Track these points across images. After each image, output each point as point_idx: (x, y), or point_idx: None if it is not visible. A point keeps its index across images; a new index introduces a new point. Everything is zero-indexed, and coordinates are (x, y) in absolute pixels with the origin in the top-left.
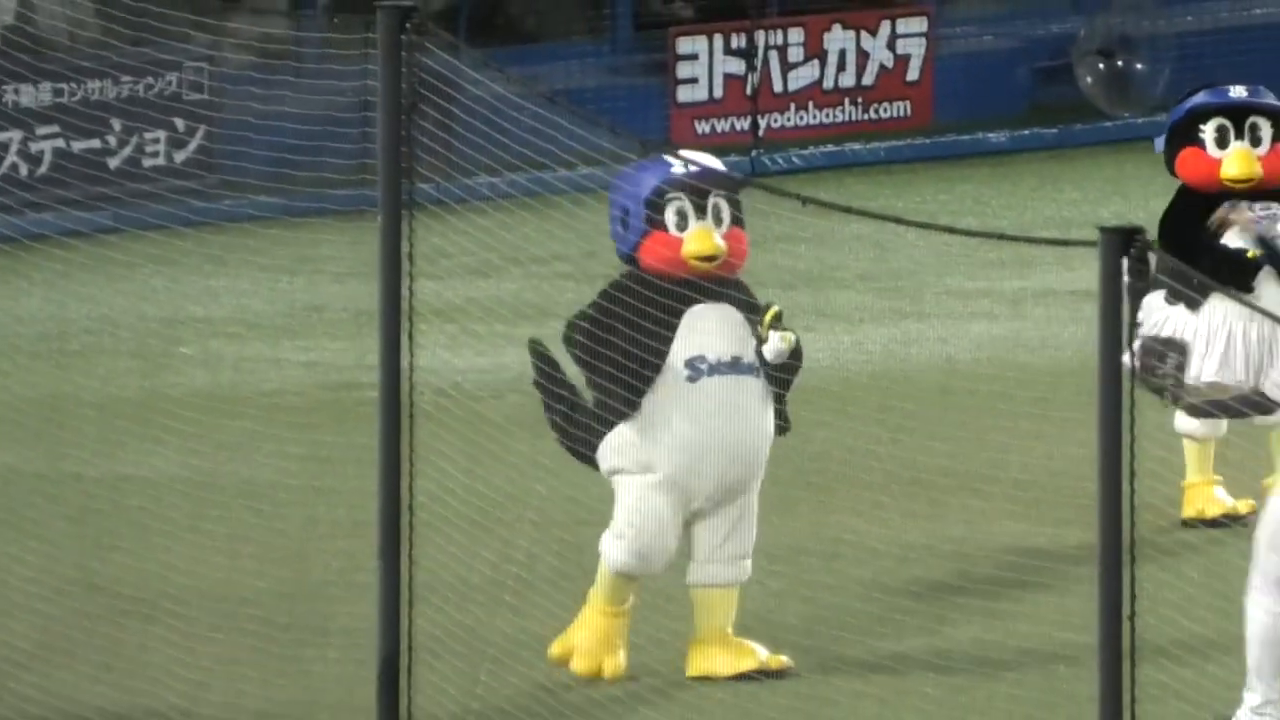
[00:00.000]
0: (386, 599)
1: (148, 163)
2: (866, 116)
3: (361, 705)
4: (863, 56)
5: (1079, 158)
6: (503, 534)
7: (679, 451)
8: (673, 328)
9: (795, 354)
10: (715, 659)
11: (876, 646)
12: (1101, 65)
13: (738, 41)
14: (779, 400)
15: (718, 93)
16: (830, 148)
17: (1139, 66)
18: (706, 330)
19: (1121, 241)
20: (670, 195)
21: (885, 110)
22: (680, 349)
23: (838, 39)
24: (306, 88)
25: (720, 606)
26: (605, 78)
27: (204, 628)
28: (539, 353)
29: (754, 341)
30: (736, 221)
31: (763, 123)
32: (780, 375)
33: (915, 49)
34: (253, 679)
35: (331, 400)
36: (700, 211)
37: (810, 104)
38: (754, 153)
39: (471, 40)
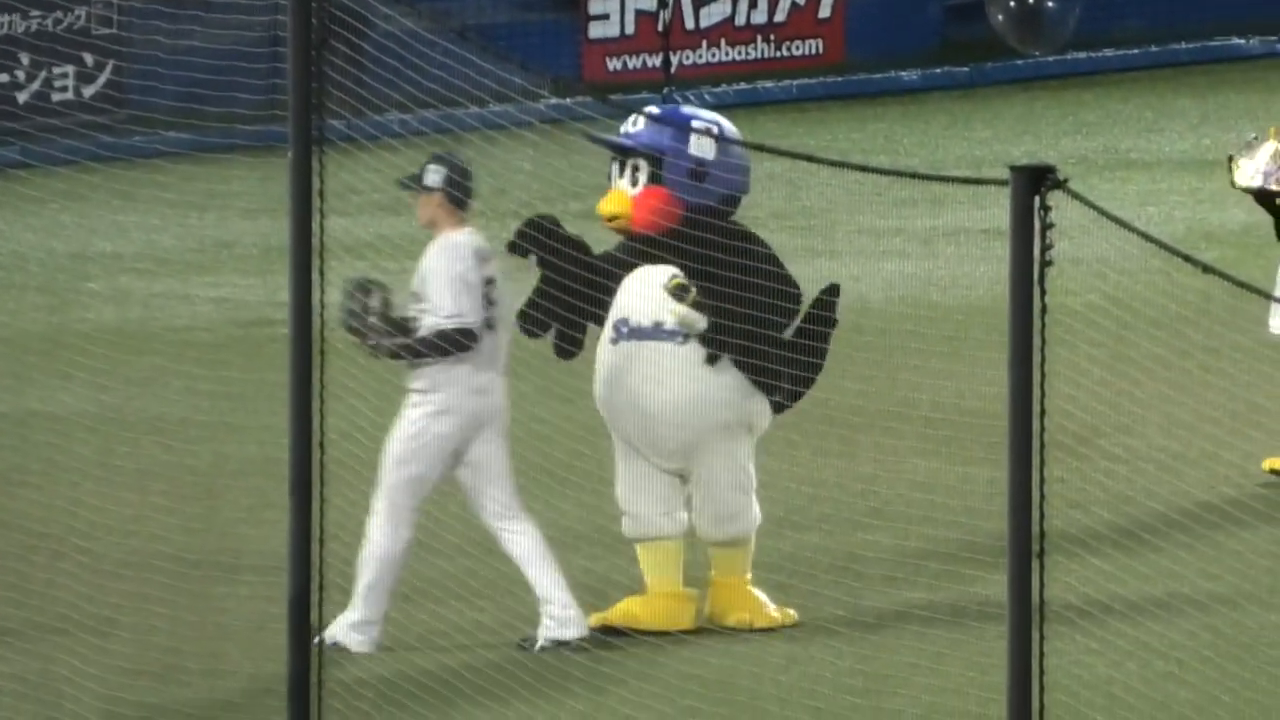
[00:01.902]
0: (297, 536)
1: (56, 97)
2: (778, 54)
3: (271, 641)
4: None
5: (990, 96)
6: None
7: (610, 410)
8: (614, 289)
9: (769, 319)
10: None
11: (787, 584)
12: (1013, 3)
13: None
14: (751, 369)
15: (629, 29)
16: (742, 85)
17: (1050, 4)
18: (634, 293)
19: (1032, 180)
20: (613, 156)
21: (797, 48)
22: (614, 310)
23: None
24: (216, 23)
25: (723, 558)
26: (516, 14)
27: (112, 563)
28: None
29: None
30: (655, 179)
31: (674, 60)
32: (730, 341)
33: None
34: (162, 615)
35: (241, 336)
36: (620, 171)
37: (722, 41)
38: (666, 90)
39: None
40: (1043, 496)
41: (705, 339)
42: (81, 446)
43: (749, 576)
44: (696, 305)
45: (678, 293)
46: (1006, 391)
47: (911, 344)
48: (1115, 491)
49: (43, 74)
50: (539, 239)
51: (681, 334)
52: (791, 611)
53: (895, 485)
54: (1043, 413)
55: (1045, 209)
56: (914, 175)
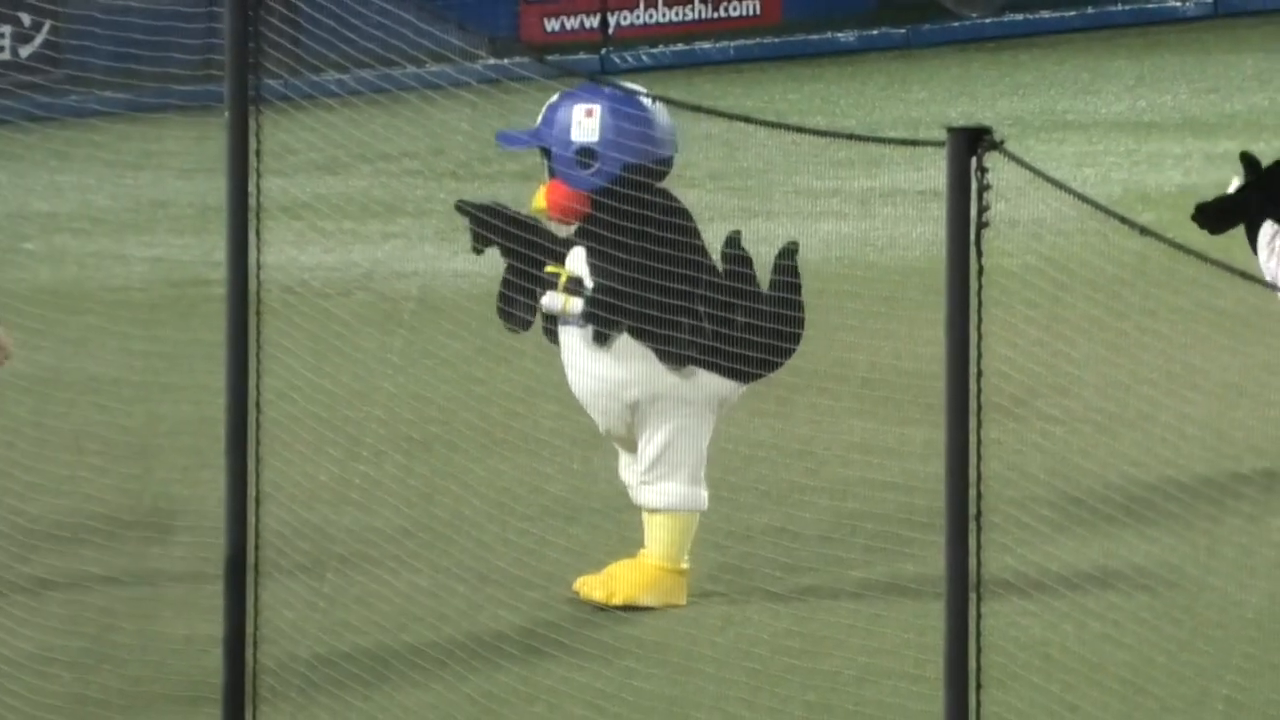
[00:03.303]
0: (232, 497)
1: None
2: (716, 15)
3: (207, 604)
4: None
5: (927, 58)
6: (349, 431)
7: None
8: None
9: (678, 289)
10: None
11: (723, 545)
12: None
13: None
14: (655, 339)
15: None
16: (680, 46)
17: None
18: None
19: (969, 142)
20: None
21: (734, 9)
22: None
23: None
24: None
25: (651, 528)
26: None
27: (47, 524)
28: None
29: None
30: (551, 173)
31: (612, 20)
32: (611, 322)
33: None
34: (97, 576)
35: (177, 296)
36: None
37: (660, 2)
38: (604, 50)
39: None
40: (979, 458)
41: (593, 318)
42: (15, 407)
43: (682, 567)
44: (578, 286)
45: (570, 287)
46: (943, 352)
47: (848, 304)
48: (1052, 452)
49: None
50: (496, 227)
51: (576, 319)
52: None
53: (832, 446)
54: (979, 374)
55: (982, 170)
56: (851, 136)
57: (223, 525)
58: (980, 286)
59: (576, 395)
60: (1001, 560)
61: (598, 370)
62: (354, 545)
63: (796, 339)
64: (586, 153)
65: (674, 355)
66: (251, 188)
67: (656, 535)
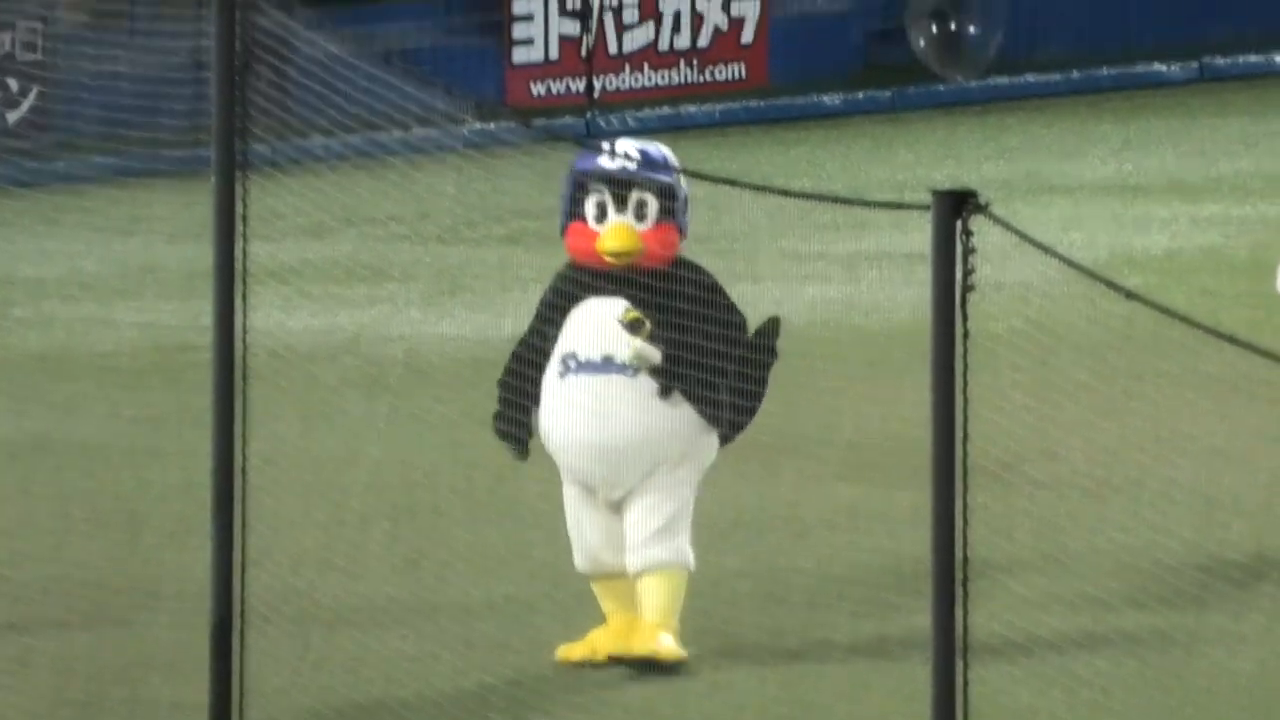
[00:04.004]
0: (219, 562)
1: None
2: (701, 78)
3: (194, 668)
4: (698, 18)
5: (912, 120)
6: (335, 497)
7: (559, 446)
8: (562, 320)
9: (720, 351)
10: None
11: (709, 610)
12: (934, 27)
13: (573, 2)
14: (703, 402)
15: (553, 54)
16: (666, 109)
17: (971, 29)
18: (585, 326)
19: (954, 205)
20: (592, 186)
21: (720, 72)
22: (561, 343)
23: (672, 0)
24: (140, 48)
25: (644, 593)
26: (440, 38)
27: (34, 591)
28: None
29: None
30: (666, 215)
31: (598, 84)
32: (685, 373)
33: (750, 11)
34: (84, 641)
35: (164, 362)
36: (620, 205)
37: (645, 65)
38: (589, 114)
39: None
40: (966, 523)
41: (657, 371)
42: (2, 473)
43: (670, 626)
44: (651, 338)
45: (633, 326)
46: (929, 416)
47: (834, 368)
48: (1040, 517)
49: None
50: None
51: (632, 368)
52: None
53: (818, 510)
54: (966, 438)
55: (967, 233)
56: (836, 199)
57: (209, 590)
58: (966, 350)
59: (588, 445)
60: (989, 626)
61: (644, 420)
62: (340, 611)
63: (751, 414)
64: (685, 202)
65: (716, 418)
66: (238, 252)
67: (660, 590)
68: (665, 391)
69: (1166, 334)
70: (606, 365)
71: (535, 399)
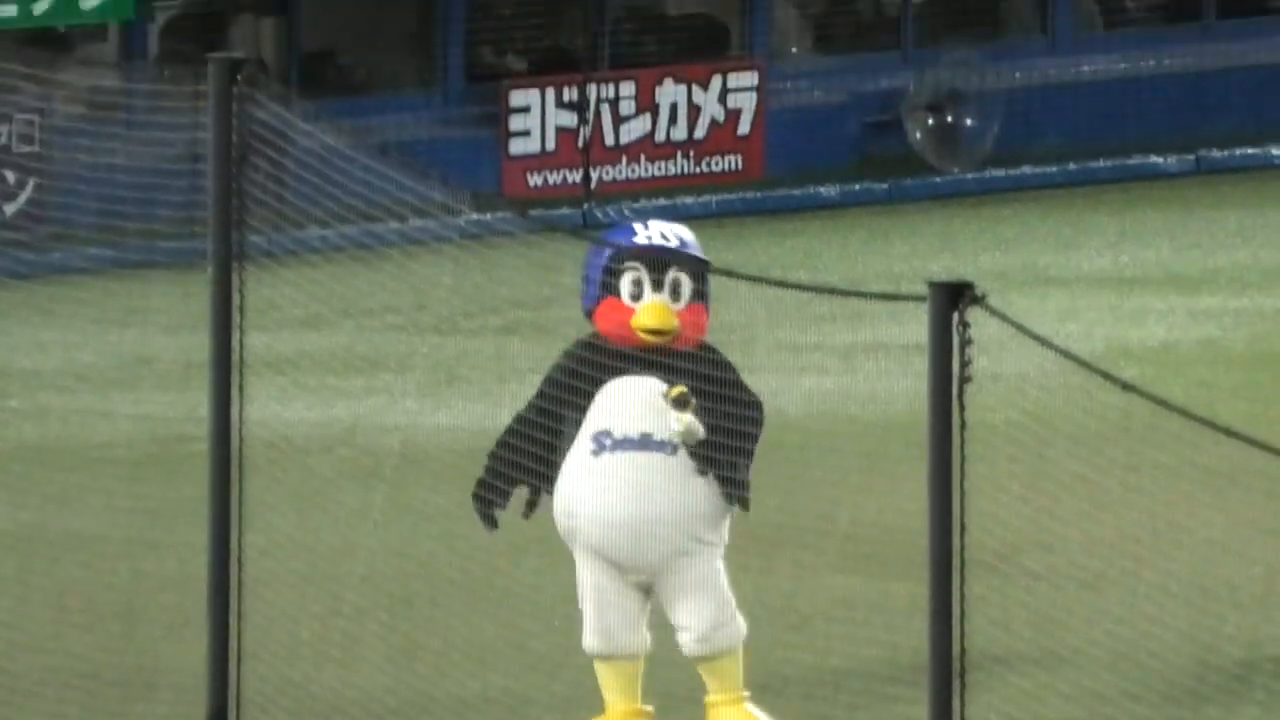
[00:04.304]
0: (215, 653)
1: None
2: (698, 169)
3: None
4: (694, 110)
5: (908, 212)
6: (331, 588)
7: (589, 524)
8: (592, 397)
9: (740, 433)
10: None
11: (702, 699)
12: (930, 120)
13: (570, 94)
14: (729, 482)
15: (550, 145)
16: (662, 200)
17: (968, 122)
18: (620, 404)
19: (951, 296)
20: (628, 263)
21: (716, 163)
22: (592, 421)
23: (669, 92)
24: (136, 139)
25: (715, 673)
26: (437, 130)
27: (30, 683)
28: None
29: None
30: (699, 296)
31: (595, 175)
32: (706, 453)
33: (746, 103)
34: None
35: (161, 453)
36: (657, 285)
37: (642, 157)
38: (586, 205)
39: (303, 92)
40: (963, 614)
41: (695, 449)
42: None
43: (746, 694)
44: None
45: (681, 402)
46: (926, 507)
47: (831, 459)
48: (1037, 609)
49: None
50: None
51: (671, 445)
52: None
53: (815, 601)
54: (963, 529)
55: (964, 325)
56: (833, 291)
57: (205, 682)
58: (963, 441)
59: (624, 523)
60: (986, 716)
61: (682, 498)
62: (336, 703)
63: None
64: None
65: (741, 498)
66: (235, 343)
67: (730, 669)
68: (704, 470)
69: (1163, 426)
70: (645, 443)
71: (542, 476)
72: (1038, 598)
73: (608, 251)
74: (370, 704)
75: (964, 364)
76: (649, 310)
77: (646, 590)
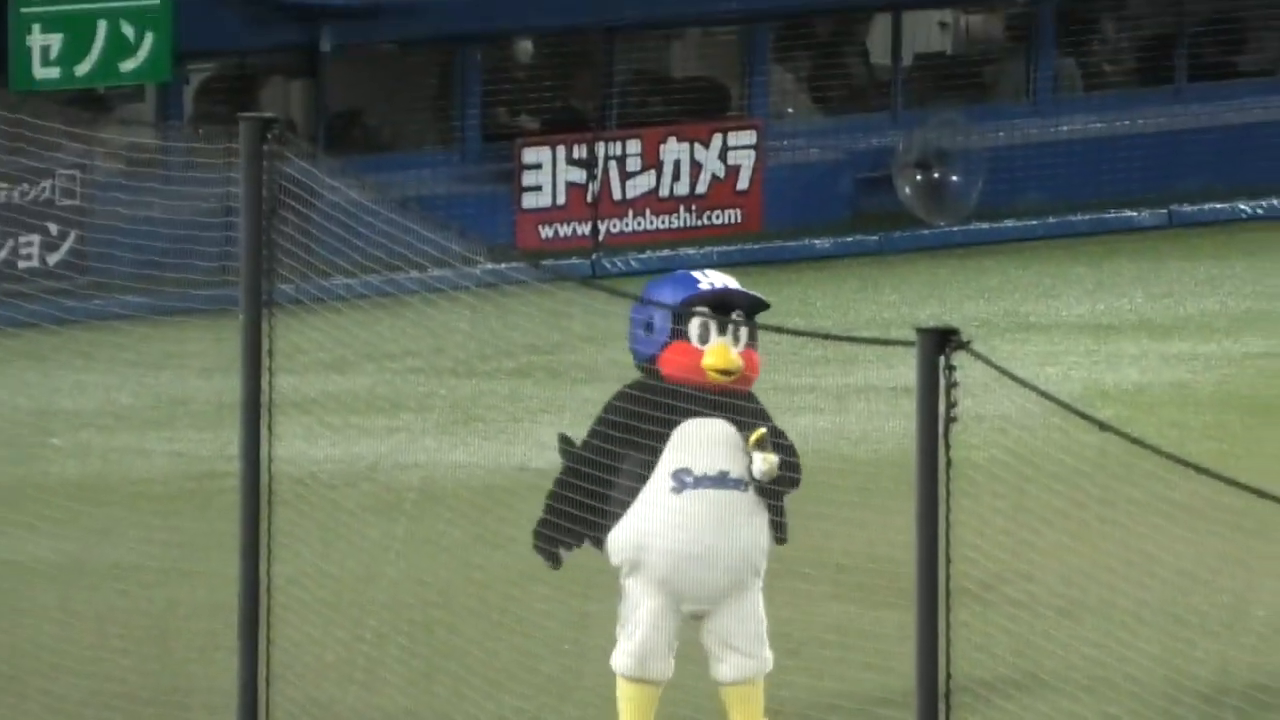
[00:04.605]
0: (245, 675)
1: (22, 264)
2: (700, 222)
3: None
4: (696, 167)
5: (898, 263)
6: (355, 615)
7: (663, 557)
8: (666, 437)
9: (790, 468)
10: None
11: None
12: (919, 177)
13: (579, 152)
14: (775, 512)
15: (560, 199)
16: (666, 251)
17: (954, 178)
18: (699, 443)
19: (938, 342)
20: (697, 310)
21: (717, 217)
22: (670, 459)
23: (673, 150)
24: (172, 194)
25: (744, 700)
26: (455, 185)
27: (73, 704)
28: (568, 451)
29: (745, 458)
30: (752, 340)
31: (602, 228)
32: (773, 489)
33: (745, 160)
34: None
35: (195, 488)
36: (721, 329)
37: (647, 210)
38: (594, 256)
39: (330, 149)
40: (949, 640)
41: (761, 487)
42: (43, 594)
43: None
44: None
45: (762, 444)
46: (914, 540)
47: (824, 495)
48: (1018, 635)
49: (9, 243)
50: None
51: (744, 483)
52: None
53: (810, 628)
54: (948, 560)
55: (950, 368)
56: (827, 336)
57: (236, 703)
58: (949, 478)
59: (698, 556)
60: None
61: (749, 533)
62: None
63: None
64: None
65: (783, 529)
66: (265, 385)
67: (755, 696)
68: (774, 507)
69: (1137, 463)
70: (723, 480)
71: (607, 514)
72: (1019, 624)
73: (669, 299)
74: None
75: (950, 405)
76: (718, 352)
77: (690, 620)
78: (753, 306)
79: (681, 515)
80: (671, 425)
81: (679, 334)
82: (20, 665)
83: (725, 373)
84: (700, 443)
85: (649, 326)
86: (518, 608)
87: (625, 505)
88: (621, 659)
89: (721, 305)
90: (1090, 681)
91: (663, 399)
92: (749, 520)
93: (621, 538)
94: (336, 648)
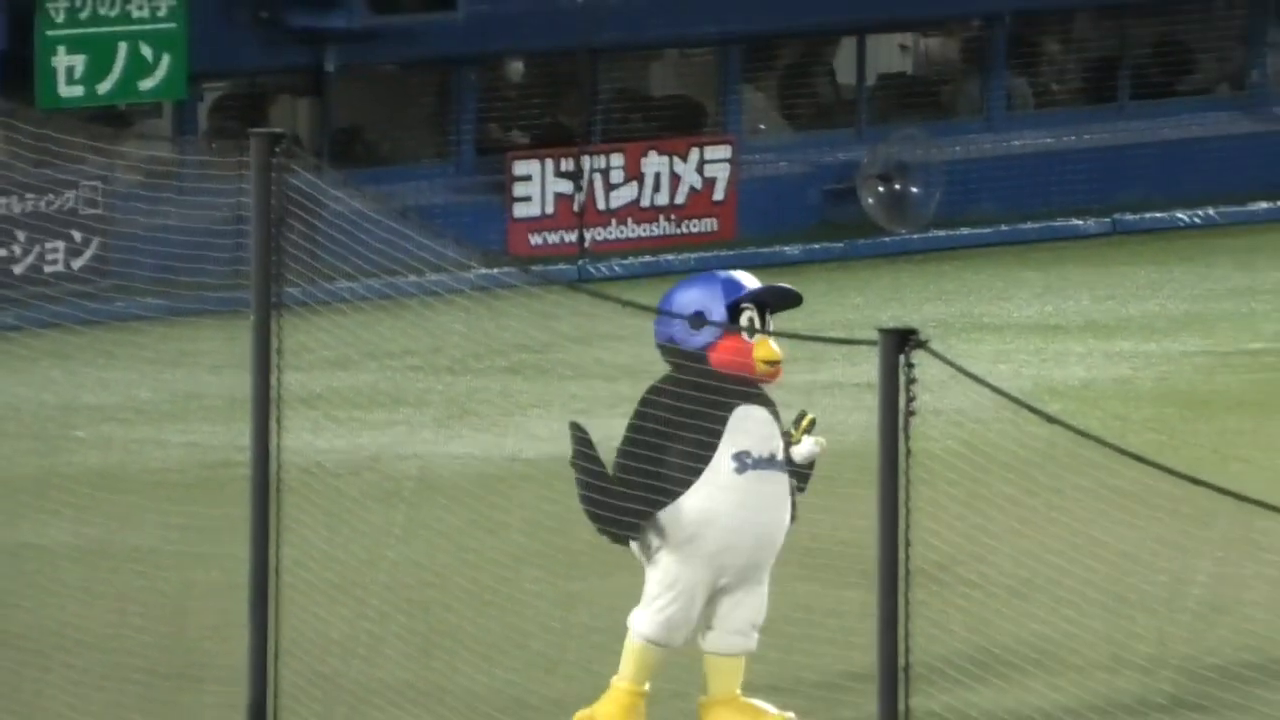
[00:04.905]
0: (255, 651)
1: (48, 269)
2: (679, 231)
3: None
4: (675, 179)
5: (862, 268)
6: (358, 595)
7: (722, 532)
8: (724, 421)
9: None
10: (727, 717)
11: (683, 694)
12: (881, 188)
13: (566, 165)
14: (796, 493)
15: (549, 209)
16: (648, 258)
17: (914, 189)
18: (752, 428)
19: (898, 341)
20: (745, 306)
21: (695, 226)
22: (730, 441)
23: (654, 163)
24: (188, 203)
25: (732, 671)
26: (451, 196)
27: (95, 677)
28: (580, 436)
29: (782, 442)
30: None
31: (588, 236)
32: (803, 472)
33: (721, 173)
34: None
35: (208, 477)
36: (764, 324)
37: (630, 219)
38: (580, 262)
39: (334, 163)
40: (908, 618)
41: (795, 470)
42: (67, 574)
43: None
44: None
45: (811, 428)
46: (876, 525)
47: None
48: (971, 613)
49: (36, 249)
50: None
51: (785, 465)
52: (791, 714)
53: (779, 607)
54: (908, 544)
55: (910, 366)
56: (794, 335)
57: (247, 676)
58: (909, 467)
59: (751, 534)
60: (927, 706)
61: (780, 515)
62: (361, 694)
63: None
64: None
65: (795, 505)
66: (273, 381)
67: (739, 669)
68: (800, 488)
69: (1082, 454)
70: (773, 462)
71: (665, 493)
72: (973, 604)
73: (723, 298)
74: (391, 695)
75: (909, 400)
76: (766, 345)
77: (715, 593)
78: (788, 302)
79: (745, 494)
80: (728, 409)
81: (732, 329)
82: (45, 642)
83: (775, 363)
84: (754, 427)
85: (701, 314)
86: (509, 588)
87: (685, 484)
88: (649, 626)
89: (763, 302)
90: (1039, 656)
91: (715, 384)
92: (786, 500)
93: (690, 513)
94: (341, 625)
